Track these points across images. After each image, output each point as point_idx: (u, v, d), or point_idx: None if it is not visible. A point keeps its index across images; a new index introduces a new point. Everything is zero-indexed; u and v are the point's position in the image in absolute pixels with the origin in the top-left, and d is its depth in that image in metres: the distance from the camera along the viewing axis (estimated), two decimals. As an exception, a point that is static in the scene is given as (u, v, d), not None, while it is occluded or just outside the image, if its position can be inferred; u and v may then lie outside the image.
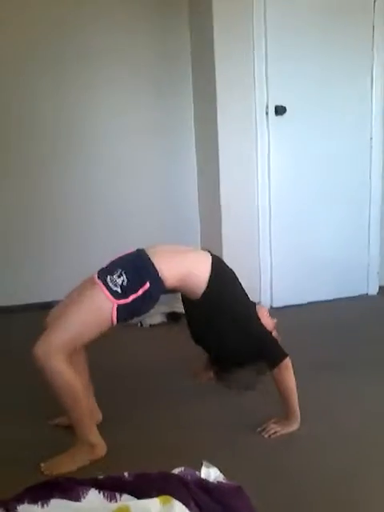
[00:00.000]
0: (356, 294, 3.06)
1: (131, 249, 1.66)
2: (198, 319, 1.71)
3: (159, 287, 1.54)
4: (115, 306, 1.47)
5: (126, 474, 1.05)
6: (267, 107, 2.72)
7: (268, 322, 1.79)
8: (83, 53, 3.02)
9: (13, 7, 2.90)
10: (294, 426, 1.66)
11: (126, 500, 0.97)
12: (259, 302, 2.82)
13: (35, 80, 3.00)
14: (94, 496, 0.95)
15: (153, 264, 1.53)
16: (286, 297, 2.95)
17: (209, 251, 1.71)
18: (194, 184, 3.31)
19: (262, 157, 2.78)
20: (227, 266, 1.73)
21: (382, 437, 1.64)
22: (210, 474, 1.18)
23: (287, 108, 2.72)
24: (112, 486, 0.99)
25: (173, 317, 2.75)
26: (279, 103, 2.71)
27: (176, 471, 1.14)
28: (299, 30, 2.68)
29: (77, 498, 0.92)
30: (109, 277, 1.50)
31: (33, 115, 3.03)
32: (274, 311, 2.84)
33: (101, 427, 1.60)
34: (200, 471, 1.18)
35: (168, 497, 0.99)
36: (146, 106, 3.17)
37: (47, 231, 3.17)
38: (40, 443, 1.66)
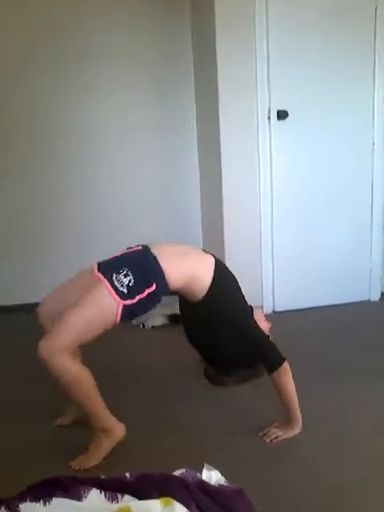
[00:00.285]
0: (358, 299, 3.05)
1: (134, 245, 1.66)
2: (195, 321, 1.71)
3: (164, 289, 1.54)
4: (121, 307, 1.47)
5: (127, 474, 1.05)
6: (269, 112, 2.73)
7: (264, 325, 1.79)
8: (84, 52, 3.02)
9: (12, 5, 2.91)
10: (296, 431, 1.66)
11: (128, 501, 0.97)
12: (260, 306, 2.81)
13: (35, 79, 3.01)
14: (95, 496, 0.95)
15: (159, 265, 1.53)
16: (287, 302, 2.95)
17: (212, 255, 1.72)
18: (196, 185, 3.31)
19: (265, 161, 2.78)
20: (229, 271, 1.73)
21: None
22: (212, 476, 1.17)
23: (289, 112, 2.73)
24: (113, 487, 0.99)
25: (175, 319, 2.75)
26: (281, 107, 2.72)
27: (177, 473, 1.13)
28: (301, 32, 2.69)
29: (78, 498, 0.92)
30: (114, 275, 1.49)
31: (32, 115, 3.04)
32: (275, 316, 2.84)
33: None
34: (201, 473, 1.17)
35: (169, 498, 0.99)
36: (147, 105, 3.17)
37: (47, 230, 3.18)
38: (41, 442, 1.66)
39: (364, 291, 3.08)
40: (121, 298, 1.47)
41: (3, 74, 2.97)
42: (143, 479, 1.04)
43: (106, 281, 1.49)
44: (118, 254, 1.64)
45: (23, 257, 3.15)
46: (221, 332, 1.66)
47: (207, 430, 1.72)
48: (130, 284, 1.48)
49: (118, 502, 0.96)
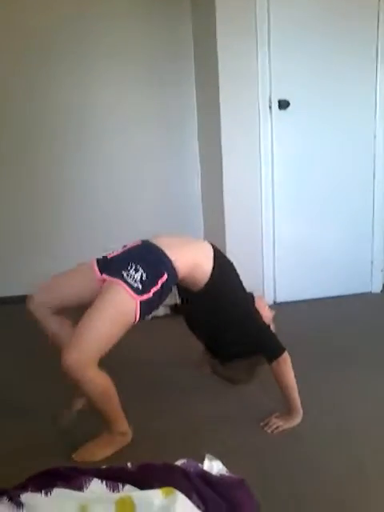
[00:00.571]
0: (359, 291, 3.04)
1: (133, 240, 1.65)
2: (197, 310, 1.71)
3: (174, 277, 1.53)
4: (138, 303, 1.45)
5: (129, 464, 1.05)
6: (270, 101, 2.70)
7: (267, 313, 1.79)
8: (81, 41, 2.98)
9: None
10: (297, 421, 1.66)
11: (129, 490, 0.97)
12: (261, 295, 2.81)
13: (32, 71, 2.97)
14: (96, 486, 0.95)
15: (166, 254, 1.52)
16: (288, 293, 2.94)
17: (210, 243, 1.71)
18: (197, 176, 3.28)
19: (266, 151, 2.76)
20: (228, 259, 1.73)
21: (384, 433, 1.64)
22: (213, 466, 1.18)
23: (291, 102, 2.70)
24: (115, 477, 0.99)
25: (176, 308, 2.74)
26: (283, 97, 2.69)
27: (179, 463, 1.13)
28: (303, 21, 2.65)
29: (80, 488, 0.92)
30: (124, 273, 1.47)
31: (29, 108, 3.01)
32: (276, 307, 2.82)
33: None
34: (203, 464, 1.18)
35: (170, 488, 0.99)
36: (147, 96, 3.13)
37: (47, 225, 3.16)
38: (41, 434, 1.67)
39: (365, 283, 3.07)
40: (137, 294, 1.45)
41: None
42: (145, 469, 1.04)
43: (118, 280, 1.46)
44: (117, 252, 1.61)
45: (23, 252, 3.14)
46: (222, 320, 1.66)
47: (208, 420, 1.73)
48: (143, 278, 1.46)
49: (119, 491, 0.96)
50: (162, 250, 1.53)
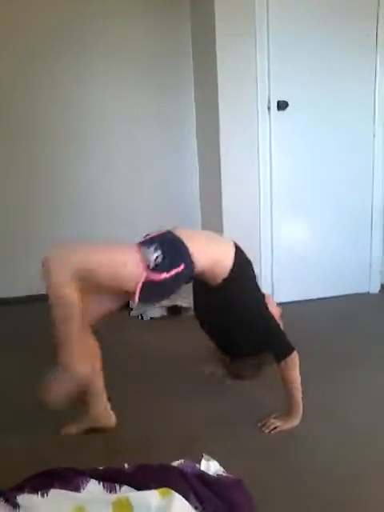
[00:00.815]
0: (358, 291, 3.04)
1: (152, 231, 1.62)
2: (211, 306, 1.70)
3: (190, 272, 1.52)
4: (143, 278, 1.42)
5: (126, 465, 1.05)
6: (269, 102, 2.70)
7: (274, 310, 1.79)
8: (80, 40, 2.97)
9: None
10: (295, 422, 1.66)
11: (126, 491, 0.97)
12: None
13: (31, 70, 2.97)
14: (93, 487, 0.95)
15: (187, 246, 1.51)
16: (287, 293, 2.94)
17: (231, 239, 1.72)
18: (195, 176, 3.28)
19: (264, 151, 2.76)
20: (247, 257, 1.74)
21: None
22: (210, 466, 1.18)
23: (289, 103, 2.70)
24: (112, 478, 0.99)
25: (173, 310, 2.74)
26: (281, 98, 2.69)
27: (176, 464, 1.14)
28: (302, 22, 2.65)
29: (77, 489, 0.92)
30: (144, 247, 1.46)
31: (29, 108, 3.00)
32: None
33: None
34: (200, 464, 1.18)
35: (168, 489, 0.99)
36: (146, 96, 3.13)
37: (47, 223, 3.15)
38: (41, 434, 1.66)
39: (364, 283, 3.07)
40: (147, 269, 1.42)
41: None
42: (142, 470, 1.04)
43: (137, 247, 1.44)
44: (142, 238, 1.59)
45: (23, 251, 3.11)
46: (236, 317, 1.66)
47: (206, 421, 1.73)
48: (159, 260, 1.44)
49: (116, 492, 0.96)
50: (183, 243, 1.52)
